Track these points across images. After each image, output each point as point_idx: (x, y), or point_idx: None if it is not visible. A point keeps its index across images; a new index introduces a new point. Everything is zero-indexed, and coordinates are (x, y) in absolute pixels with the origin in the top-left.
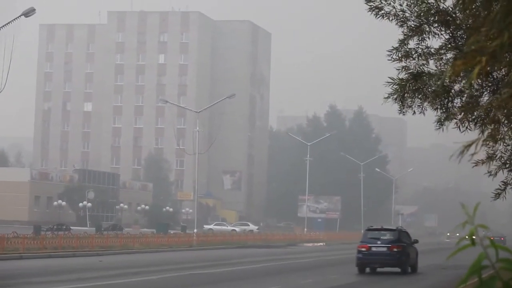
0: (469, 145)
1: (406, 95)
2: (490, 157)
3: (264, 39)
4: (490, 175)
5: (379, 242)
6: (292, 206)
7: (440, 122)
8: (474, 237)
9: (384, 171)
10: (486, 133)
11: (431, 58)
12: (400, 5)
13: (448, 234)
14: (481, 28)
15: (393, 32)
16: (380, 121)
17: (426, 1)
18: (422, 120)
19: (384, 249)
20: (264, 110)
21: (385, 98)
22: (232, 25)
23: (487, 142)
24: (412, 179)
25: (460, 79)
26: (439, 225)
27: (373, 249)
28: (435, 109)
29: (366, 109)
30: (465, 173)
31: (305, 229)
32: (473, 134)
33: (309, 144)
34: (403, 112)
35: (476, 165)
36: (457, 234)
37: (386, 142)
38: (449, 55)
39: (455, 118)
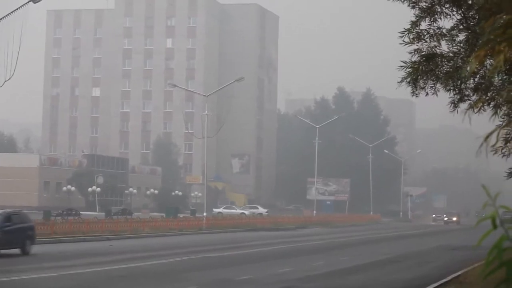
0: (488, 136)
1: (419, 77)
2: (507, 140)
3: (272, 22)
4: (503, 156)
5: None
6: (301, 188)
7: (454, 104)
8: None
9: (393, 152)
10: (505, 122)
11: (443, 39)
12: None
13: (434, 216)
14: (498, 14)
15: (404, 14)
16: (388, 102)
17: None
18: (431, 101)
19: None
20: (272, 93)
21: (398, 82)
22: (239, 8)
23: (506, 128)
24: (421, 160)
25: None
26: (448, 206)
27: None
28: (448, 91)
29: (374, 91)
30: (474, 153)
31: (314, 212)
32: (486, 115)
33: (317, 126)
34: (416, 94)
35: (495, 153)
36: (445, 217)
37: (394, 124)
38: (461, 36)
39: (469, 99)
